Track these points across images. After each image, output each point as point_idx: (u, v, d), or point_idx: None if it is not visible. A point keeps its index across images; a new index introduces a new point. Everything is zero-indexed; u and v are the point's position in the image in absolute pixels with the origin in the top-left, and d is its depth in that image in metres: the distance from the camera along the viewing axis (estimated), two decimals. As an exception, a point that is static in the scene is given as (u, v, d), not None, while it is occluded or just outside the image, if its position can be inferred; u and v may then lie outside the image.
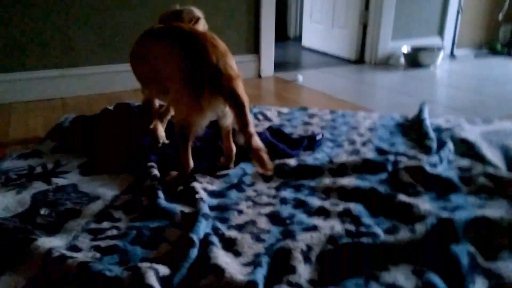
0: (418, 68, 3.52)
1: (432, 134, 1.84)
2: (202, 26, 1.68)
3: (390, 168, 1.57)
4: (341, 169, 1.58)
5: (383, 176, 1.53)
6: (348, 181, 1.48)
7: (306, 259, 1.06)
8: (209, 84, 1.37)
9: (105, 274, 0.98)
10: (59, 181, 1.56)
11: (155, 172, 1.52)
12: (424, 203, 1.32)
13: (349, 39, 3.84)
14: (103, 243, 1.19)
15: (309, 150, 1.77)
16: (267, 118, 2.19)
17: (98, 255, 1.13)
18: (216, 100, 1.39)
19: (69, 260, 1.03)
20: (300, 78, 3.11)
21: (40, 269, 1.05)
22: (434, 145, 1.76)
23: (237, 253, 1.12)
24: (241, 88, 1.39)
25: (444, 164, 1.59)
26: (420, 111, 2.11)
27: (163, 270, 1.02)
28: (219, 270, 0.99)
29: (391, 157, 1.64)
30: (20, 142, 1.98)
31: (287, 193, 1.43)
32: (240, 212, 1.32)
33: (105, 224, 1.29)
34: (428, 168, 1.50)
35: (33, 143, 1.94)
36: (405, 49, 3.61)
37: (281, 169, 1.57)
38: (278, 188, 1.47)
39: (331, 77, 3.30)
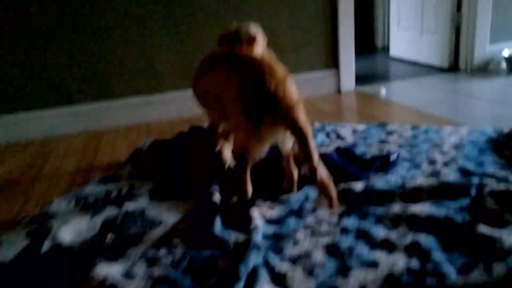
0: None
1: (529, 151, 1.59)
2: (260, 46, 1.65)
3: (473, 192, 1.39)
4: (415, 194, 1.42)
5: (465, 202, 1.35)
6: (421, 208, 1.33)
7: (358, 300, 0.96)
8: (268, 113, 1.32)
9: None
10: (130, 205, 1.62)
11: (216, 198, 1.51)
12: (510, 236, 1.13)
13: (441, 45, 3.56)
14: (156, 272, 1.19)
15: (382, 172, 1.64)
16: (340, 137, 2.09)
17: (149, 284, 1.14)
18: (275, 128, 1.35)
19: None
20: (383, 91, 2.93)
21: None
22: (531, 164, 1.52)
23: (285, 289, 1.05)
24: (302, 116, 1.32)
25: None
26: (516, 124, 1.85)
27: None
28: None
29: (476, 180, 1.44)
30: (105, 167, 2.11)
31: (350, 222, 1.32)
32: (296, 242, 1.25)
33: (162, 251, 1.30)
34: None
35: (116, 167, 2.06)
36: (507, 52, 3.24)
37: (346, 194, 1.46)
38: (341, 216, 1.37)
39: (418, 88, 3.07)
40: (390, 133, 2.08)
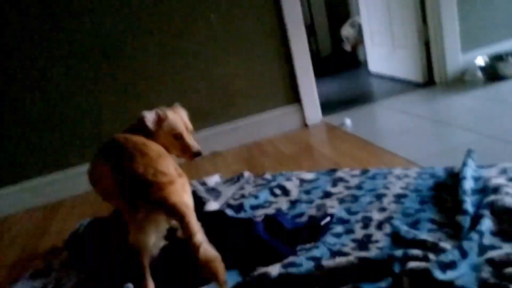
0: (500, 82, 2.92)
1: (467, 204, 1.43)
2: (166, 126, 1.55)
3: (396, 269, 1.23)
4: (333, 278, 1.28)
5: (384, 284, 1.20)
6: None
7: None
8: (140, 199, 1.23)
9: None
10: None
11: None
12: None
13: (413, 60, 3.39)
14: None
15: (311, 242, 1.50)
16: (285, 192, 1.95)
17: None
18: (155, 214, 1.26)
19: None
20: (348, 122, 2.79)
21: None
22: (466, 222, 1.36)
23: None
24: (176, 195, 1.24)
25: (469, 258, 1.20)
26: (463, 165, 1.68)
27: None
28: None
29: (399, 253, 1.28)
30: (48, 251, 2.03)
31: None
32: None
33: None
34: (437, 273, 1.13)
35: (54, 253, 1.97)
36: (481, 60, 3.04)
37: (261, 282, 1.33)
38: None
39: (389, 113, 2.91)
40: (336, 181, 1.94)
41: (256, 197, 1.94)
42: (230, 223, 1.69)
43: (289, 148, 2.64)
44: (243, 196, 2.02)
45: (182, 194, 1.27)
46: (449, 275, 1.14)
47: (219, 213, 1.78)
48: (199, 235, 1.19)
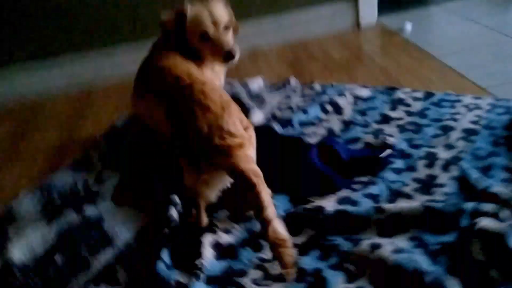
0: None
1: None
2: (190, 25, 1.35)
3: (464, 222, 1.13)
4: (392, 223, 1.19)
5: (448, 239, 1.11)
6: (393, 247, 1.10)
7: None
8: (205, 161, 1.11)
9: None
10: (89, 211, 1.51)
11: (173, 213, 1.33)
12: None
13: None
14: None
15: (370, 175, 1.39)
16: (337, 110, 1.80)
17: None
18: (219, 174, 1.15)
19: None
20: (408, 28, 2.49)
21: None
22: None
23: None
24: (246, 162, 1.10)
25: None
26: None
27: None
28: None
29: (469, 206, 1.16)
30: (85, 140, 1.99)
31: (309, 261, 1.14)
32: (242, 289, 1.09)
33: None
34: (514, 241, 1.03)
35: (92, 144, 1.92)
36: None
37: (315, 215, 1.26)
38: (303, 248, 1.18)
39: (454, 20, 2.58)
40: (396, 103, 1.76)
41: (305, 111, 1.79)
42: (280, 141, 1.58)
43: (339, 52, 2.41)
44: (290, 108, 1.88)
45: (252, 160, 1.13)
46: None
47: (267, 129, 1.66)
48: (270, 210, 1.07)
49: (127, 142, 1.80)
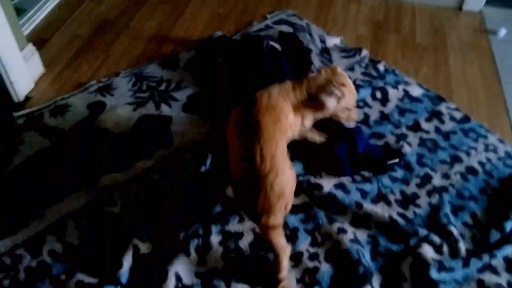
0: None
1: (508, 223, 1.57)
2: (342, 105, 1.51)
3: (412, 243, 1.53)
4: (364, 220, 1.59)
5: (395, 248, 1.52)
6: (349, 239, 1.52)
7: None
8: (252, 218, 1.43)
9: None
10: (165, 110, 1.99)
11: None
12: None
13: None
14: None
15: (370, 172, 1.75)
16: (384, 99, 2.06)
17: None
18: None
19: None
20: (502, 33, 2.53)
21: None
22: (493, 237, 1.55)
23: None
24: (276, 237, 1.33)
25: (468, 270, 1.45)
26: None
27: None
28: None
29: (423, 232, 1.54)
30: (180, 39, 2.40)
31: (293, 219, 1.59)
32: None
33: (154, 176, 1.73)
34: (433, 272, 1.43)
35: (185, 46, 2.34)
36: None
37: (313, 190, 1.67)
38: (294, 208, 1.55)
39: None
40: (434, 115, 2.00)
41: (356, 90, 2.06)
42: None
43: (423, 32, 2.52)
44: (347, 79, 2.14)
45: (281, 236, 1.35)
46: (440, 277, 1.42)
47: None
48: (283, 274, 1.35)
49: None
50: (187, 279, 1.42)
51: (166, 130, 1.91)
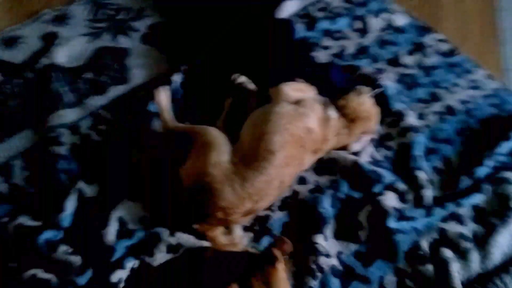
0: None
1: (480, 169, 1.46)
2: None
3: (376, 189, 1.42)
4: (328, 166, 1.49)
5: (356, 195, 1.43)
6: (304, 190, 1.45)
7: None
8: None
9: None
10: (122, 41, 1.84)
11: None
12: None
13: None
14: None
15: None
16: (363, 30, 1.88)
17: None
18: None
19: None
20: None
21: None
22: (463, 185, 1.44)
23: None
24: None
25: (429, 220, 1.37)
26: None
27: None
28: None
29: (387, 179, 1.43)
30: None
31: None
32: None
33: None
34: (390, 221, 1.34)
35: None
36: None
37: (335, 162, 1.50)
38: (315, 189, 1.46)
39: None
40: (418, 48, 1.81)
41: (333, 20, 1.88)
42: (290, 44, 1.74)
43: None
44: (319, 9, 1.94)
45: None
46: (399, 225, 1.34)
47: (286, 25, 1.79)
48: None
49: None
50: (131, 223, 1.35)
51: (121, 65, 1.76)
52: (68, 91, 1.67)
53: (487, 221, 1.36)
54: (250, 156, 1.29)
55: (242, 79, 1.56)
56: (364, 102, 1.47)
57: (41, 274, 1.22)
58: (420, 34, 1.87)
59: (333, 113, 1.42)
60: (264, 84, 1.53)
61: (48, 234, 1.29)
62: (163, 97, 1.48)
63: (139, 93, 1.68)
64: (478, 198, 1.40)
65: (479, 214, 1.38)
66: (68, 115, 1.60)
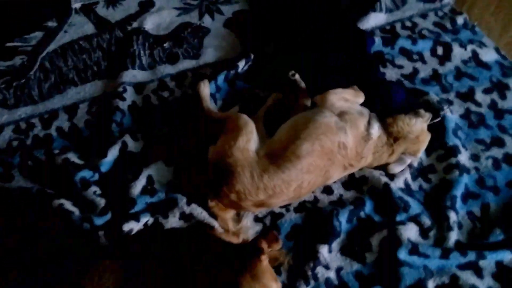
0: None
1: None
2: None
3: (397, 219, 1.38)
4: (357, 183, 1.48)
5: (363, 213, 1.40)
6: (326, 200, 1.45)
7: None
8: None
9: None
10: (207, 21, 1.97)
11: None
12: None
13: None
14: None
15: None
16: (443, 58, 1.78)
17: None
18: None
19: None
20: None
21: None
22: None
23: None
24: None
25: (447, 262, 1.29)
26: None
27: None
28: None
29: (413, 210, 1.38)
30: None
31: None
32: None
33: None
34: (402, 253, 1.30)
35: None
36: None
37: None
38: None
39: None
40: (498, 86, 1.68)
41: (415, 41, 1.81)
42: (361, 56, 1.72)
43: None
44: (405, 27, 1.89)
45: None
46: (409, 259, 1.28)
47: (362, 34, 1.78)
48: None
49: None
50: (157, 184, 1.46)
51: (200, 42, 1.88)
52: (145, 55, 1.83)
53: (508, 282, 1.25)
54: (277, 154, 1.32)
55: (297, 77, 1.58)
56: (414, 124, 1.42)
57: (68, 205, 1.38)
58: (505, 74, 1.73)
59: (375, 131, 1.39)
60: (318, 88, 1.54)
61: (85, 173, 1.45)
62: (204, 89, 1.58)
63: (205, 71, 1.78)
64: (505, 256, 1.28)
65: (501, 272, 1.27)
66: (139, 76, 1.76)
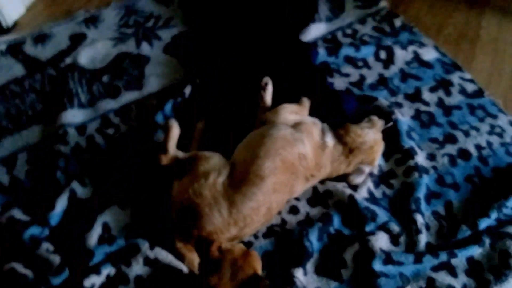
0: None
1: (483, 221, 1.35)
2: None
3: (367, 228, 1.37)
4: (322, 199, 1.44)
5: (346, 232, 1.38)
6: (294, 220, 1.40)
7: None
8: None
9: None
10: (145, 49, 1.88)
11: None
12: None
13: None
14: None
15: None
16: (387, 62, 1.81)
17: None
18: None
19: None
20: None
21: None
22: (463, 234, 1.34)
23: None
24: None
25: (419, 267, 1.28)
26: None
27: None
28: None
29: (380, 219, 1.37)
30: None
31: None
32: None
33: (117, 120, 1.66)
34: (376, 264, 1.27)
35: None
36: None
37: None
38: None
39: None
40: (442, 85, 1.72)
41: (357, 48, 1.83)
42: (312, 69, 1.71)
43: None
44: (346, 35, 1.91)
45: None
46: (385, 269, 1.26)
47: (307, 47, 1.77)
48: None
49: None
50: (114, 230, 1.36)
51: (140, 71, 1.80)
52: (83, 91, 1.73)
53: (481, 277, 1.26)
54: (240, 179, 1.27)
55: (269, 87, 1.53)
56: (365, 134, 1.41)
57: (20, 268, 1.25)
58: (447, 71, 1.78)
59: (330, 140, 1.38)
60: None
61: (34, 230, 1.33)
62: (174, 130, 1.40)
63: (149, 101, 1.70)
64: (475, 251, 1.30)
65: (474, 267, 1.28)
66: (79, 115, 1.65)
